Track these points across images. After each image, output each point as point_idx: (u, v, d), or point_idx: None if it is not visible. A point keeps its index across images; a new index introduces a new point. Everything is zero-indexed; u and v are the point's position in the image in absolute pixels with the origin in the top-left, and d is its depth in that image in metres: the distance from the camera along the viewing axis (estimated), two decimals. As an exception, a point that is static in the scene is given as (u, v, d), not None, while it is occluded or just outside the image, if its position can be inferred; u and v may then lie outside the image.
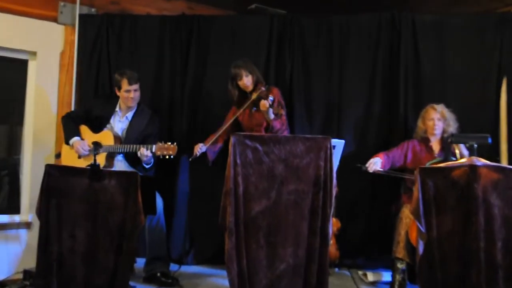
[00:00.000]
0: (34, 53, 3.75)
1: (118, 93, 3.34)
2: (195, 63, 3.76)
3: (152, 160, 3.22)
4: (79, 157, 3.34)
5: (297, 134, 3.30)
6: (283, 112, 3.17)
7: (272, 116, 3.12)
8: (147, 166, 3.24)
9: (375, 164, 3.12)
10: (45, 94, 3.76)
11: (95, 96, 3.72)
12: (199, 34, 3.76)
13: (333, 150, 2.71)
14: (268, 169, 2.63)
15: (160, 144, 3.05)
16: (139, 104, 3.40)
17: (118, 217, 2.64)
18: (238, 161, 2.62)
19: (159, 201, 3.19)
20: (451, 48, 3.57)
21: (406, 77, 3.60)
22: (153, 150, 3.08)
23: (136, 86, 3.31)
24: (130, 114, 3.38)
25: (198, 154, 3.16)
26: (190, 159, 3.15)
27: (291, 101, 3.61)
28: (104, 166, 3.24)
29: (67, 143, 3.37)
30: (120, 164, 3.32)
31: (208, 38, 3.76)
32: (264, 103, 3.08)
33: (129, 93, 3.30)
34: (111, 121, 3.37)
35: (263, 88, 3.18)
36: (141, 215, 2.61)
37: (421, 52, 3.59)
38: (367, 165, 3.11)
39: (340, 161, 3.22)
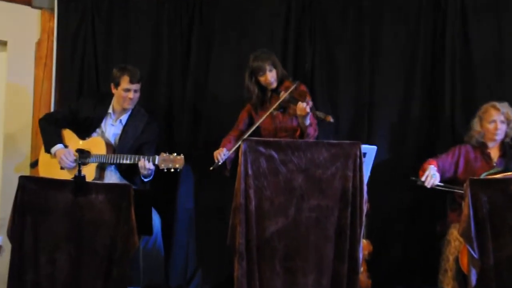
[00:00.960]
0: (4, 43, 3.79)
1: (114, 91, 3.35)
2: (197, 57, 3.78)
3: (153, 174, 3.24)
4: (61, 167, 3.36)
5: (320, 139, 3.32)
6: None
7: (308, 122, 3.13)
8: (146, 180, 3.26)
9: (433, 177, 3.00)
10: (18, 92, 3.80)
11: (85, 94, 3.74)
12: (201, 21, 3.79)
13: (363, 158, 2.72)
14: (285, 181, 2.64)
15: (165, 155, 3.09)
16: (135, 107, 3.43)
17: (107, 238, 2.67)
18: (250, 171, 2.64)
19: (156, 219, 3.22)
20: (511, 32, 3.48)
21: (452, 69, 3.54)
22: (156, 162, 3.11)
23: (137, 86, 3.34)
24: (124, 117, 3.40)
25: (221, 161, 3.13)
26: (212, 168, 3.15)
27: (312, 99, 3.59)
28: (95, 179, 3.26)
29: (47, 151, 3.38)
30: (111, 176, 3.34)
31: (213, 26, 3.78)
32: (303, 107, 3.05)
33: (128, 93, 3.31)
34: (102, 125, 3.39)
35: (293, 86, 3.16)
36: (135, 235, 2.64)
37: (472, 38, 3.51)
38: (423, 178, 3.00)
39: (372, 171, 3.21)
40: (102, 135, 3.36)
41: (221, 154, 3.16)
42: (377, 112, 3.63)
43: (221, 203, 3.50)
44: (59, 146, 3.34)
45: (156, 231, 3.20)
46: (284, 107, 3.21)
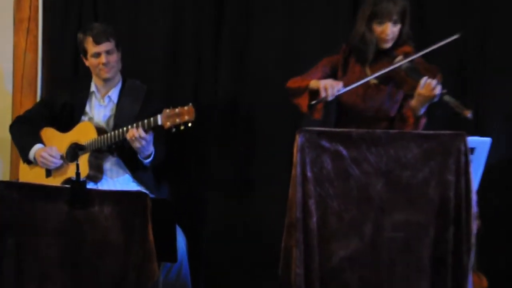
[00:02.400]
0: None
1: (87, 63, 3.49)
2: (232, 29, 3.76)
3: (152, 150, 3.30)
4: (48, 174, 3.45)
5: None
6: None
7: (424, 110, 3.05)
8: (146, 162, 3.33)
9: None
10: None
11: (58, 82, 3.85)
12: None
13: (470, 156, 2.65)
14: (359, 188, 2.62)
15: (168, 110, 3.13)
16: (125, 80, 3.53)
17: (115, 267, 2.66)
18: (309, 174, 2.62)
19: (181, 240, 3.25)
20: None
21: None
22: (159, 122, 3.15)
23: (108, 45, 3.40)
24: (114, 93, 3.51)
25: (331, 97, 3.03)
26: (314, 102, 3.08)
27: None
28: (89, 177, 3.32)
29: (25, 160, 3.48)
30: (114, 170, 3.45)
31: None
32: (431, 86, 2.94)
33: (98, 58, 3.40)
34: (87, 109, 3.50)
35: (418, 53, 3.05)
36: (153, 263, 2.63)
37: None
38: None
39: (484, 174, 3.09)
40: (91, 121, 3.48)
41: (335, 87, 3.03)
42: (490, 87, 3.58)
43: (270, 217, 3.57)
44: (37, 146, 3.45)
45: (181, 256, 3.23)
46: (395, 80, 3.11)
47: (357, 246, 2.59)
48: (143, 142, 3.20)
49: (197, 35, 3.84)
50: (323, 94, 3.02)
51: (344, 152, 2.62)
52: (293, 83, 3.24)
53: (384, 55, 3.17)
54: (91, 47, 3.40)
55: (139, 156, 3.29)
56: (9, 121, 3.80)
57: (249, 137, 3.78)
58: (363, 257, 2.59)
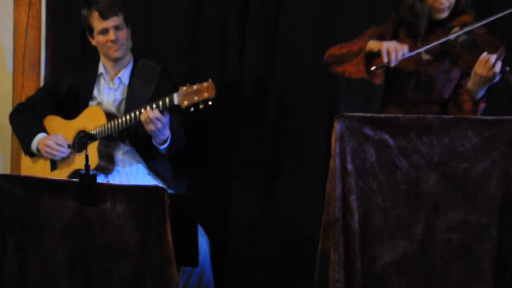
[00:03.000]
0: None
1: (93, 42, 3.52)
2: (260, 2, 3.76)
3: (169, 134, 3.32)
4: (54, 167, 3.47)
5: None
6: None
7: (483, 92, 3.01)
8: (162, 148, 3.34)
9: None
10: None
11: (61, 65, 3.88)
12: None
13: None
14: (407, 182, 2.59)
15: (184, 88, 3.14)
16: (136, 59, 3.56)
17: (129, 271, 2.66)
18: (350, 166, 2.60)
19: (203, 241, 3.26)
20: None
21: None
22: (175, 102, 3.16)
23: (116, 20, 3.41)
24: (125, 74, 3.53)
25: (393, 62, 2.99)
26: (374, 68, 3.04)
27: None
28: (99, 168, 3.34)
29: (27, 152, 3.52)
30: (126, 159, 3.46)
31: None
32: (489, 63, 2.89)
33: (106, 35, 3.42)
34: (95, 92, 3.53)
35: (476, 24, 3.00)
36: (172, 267, 2.62)
37: None
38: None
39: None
40: (100, 106, 3.51)
41: (400, 51, 2.99)
42: None
43: (305, 211, 3.56)
44: (40, 135, 3.48)
45: (204, 259, 3.24)
46: (451, 56, 3.07)
47: (406, 249, 2.57)
48: (159, 125, 3.19)
49: (221, 9, 3.83)
50: (385, 59, 2.98)
51: (391, 141, 2.59)
52: (339, 49, 3.21)
53: (439, 27, 3.11)
54: (97, 23, 3.41)
55: (154, 141, 3.30)
56: (9, 108, 3.84)
57: (279, 122, 3.76)
58: (412, 261, 2.56)
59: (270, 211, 3.75)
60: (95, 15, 3.40)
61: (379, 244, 2.57)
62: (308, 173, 3.62)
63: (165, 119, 3.21)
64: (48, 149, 3.40)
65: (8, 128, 3.80)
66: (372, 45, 3.06)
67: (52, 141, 3.41)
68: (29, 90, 3.79)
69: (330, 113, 3.54)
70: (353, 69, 3.11)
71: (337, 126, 2.58)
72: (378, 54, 3.02)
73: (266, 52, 3.78)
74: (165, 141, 3.31)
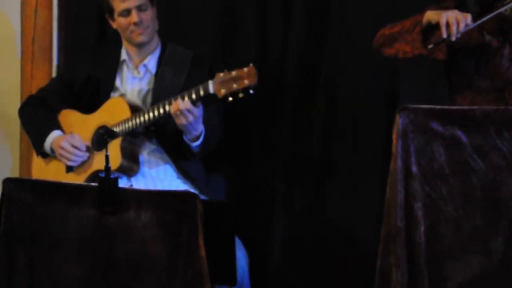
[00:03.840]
0: None
1: (114, 25, 3.57)
2: None
3: (202, 129, 3.33)
4: (69, 168, 3.50)
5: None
6: None
7: None
8: (194, 145, 3.36)
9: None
10: None
11: (80, 51, 3.93)
12: None
13: None
14: (484, 187, 2.58)
15: (221, 74, 3.16)
16: (164, 44, 3.60)
17: None
18: (415, 168, 2.59)
19: (241, 255, 3.30)
20: None
21: None
22: (211, 91, 3.18)
23: (140, 0, 3.44)
24: (151, 61, 3.58)
25: (455, 35, 2.98)
26: (431, 46, 3.03)
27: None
28: (122, 169, 3.37)
29: (39, 152, 3.55)
30: (153, 163, 3.48)
31: None
32: None
33: (128, 16, 3.44)
34: (117, 82, 3.58)
35: None
36: (205, 285, 2.63)
37: None
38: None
39: None
40: (123, 97, 3.55)
41: (462, 21, 2.96)
42: None
43: (362, 217, 3.59)
44: (54, 134, 3.50)
45: (242, 277, 3.27)
46: (508, 31, 3.10)
47: (482, 267, 2.55)
48: (191, 118, 3.20)
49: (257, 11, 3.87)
50: (445, 33, 2.97)
51: (464, 138, 2.57)
52: (389, 28, 3.22)
53: (494, 2, 3.10)
54: (118, 3, 3.44)
55: (185, 138, 3.32)
56: (17, 100, 3.89)
57: (329, 115, 3.76)
58: (490, 281, 2.54)
59: (319, 220, 3.76)
60: None
61: (450, 260, 2.55)
62: (364, 175, 3.62)
63: (199, 111, 3.22)
64: (62, 152, 3.43)
65: (17, 123, 3.85)
66: (431, 16, 3.05)
67: (68, 142, 3.43)
68: (40, 80, 3.83)
69: (389, 105, 3.54)
70: (408, 48, 3.12)
71: (399, 121, 2.58)
72: (437, 26, 3.01)
73: (315, 31, 3.78)
74: (198, 138, 3.33)
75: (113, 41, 3.63)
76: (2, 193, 2.76)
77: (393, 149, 2.60)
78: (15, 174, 3.98)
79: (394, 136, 2.60)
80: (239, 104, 3.24)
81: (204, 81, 3.25)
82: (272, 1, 3.82)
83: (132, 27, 3.43)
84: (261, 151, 3.82)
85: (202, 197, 2.83)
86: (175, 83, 3.47)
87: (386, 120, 3.39)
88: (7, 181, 2.77)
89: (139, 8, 3.42)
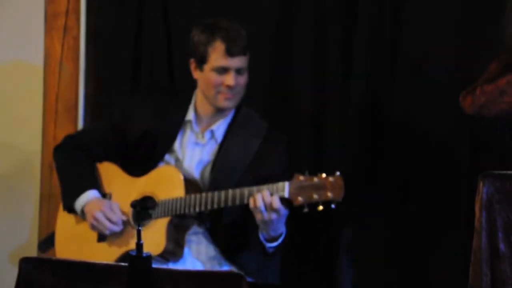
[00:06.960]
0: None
1: (196, 75, 3.51)
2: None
3: (284, 230, 3.33)
4: (101, 239, 3.46)
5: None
6: None
7: None
8: (270, 246, 3.35)
9: None
10: (13, 82, 4.08)
11: (139, 92, 3.99)
12: None
13: None
14: None
15: (302, 178, 3.16)
16: (238, 108, 3.55)
17: None
18: (502, 246, 2.61)
19: None
20: None
21: None
22: (286, 194, 3.17)
23: (243, 61, 3.43)
24: (220, 128, 3.54)
25: None
26: None
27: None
28: (166, 255, 3.33)
29: (69, 207, 3.51)
30: (201, 247, 3.45)
31: None
32: None
33: (224, 76, 3.40)
34: (176, 145, 3.53)
35: None
36: None
37: None
38: None
39: None
40: (178, 164, 3.49)
41: None
42: None
43: None
44: (90, 194, 3.48)
45: None
46: None
47: None
48: (274, 216, 3.18)
49: (317, 12, 3.88)
50: None
51: None
52: (479, 94, 3.16)
53: None
54: (219, 58, 3.39)
55: (261, 235, 3.30)
56: (37, 165, 3.91)
57: (397, 172, 3.74)
58: None
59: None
60: (220, 46, 3.38)
61: None
62: (441, 249, 3.61)
63: (286, 210, 3.19)
64: (95, 224, 3.38)
65: (31, 190, 3.87)
66: None
67: (103, 215, 3.39)
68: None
69: (469, 166, 3.53)
70: None
71: (483, 189, 2.59)
72: None
73: (380, 69, 3.81)
74: (276, 239, 3.31)
75: (181, 91, 3.65)
76: (18, 273, 2.71)
77: (476, 223, 2.60)
78: (34, 226, 4.01)
79: (477, 208, 2.61)
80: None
81: (275, 164, 3.35)
82: (331, 31, 3.84)
83: (222, 88, 3.39)
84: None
85: (249, 279, 2.74)
86: (241, 159, 3.46)
87: (467, 184, 3.40)
88: (24, 261, 2.72)
89: (238, 71, 3.40)
